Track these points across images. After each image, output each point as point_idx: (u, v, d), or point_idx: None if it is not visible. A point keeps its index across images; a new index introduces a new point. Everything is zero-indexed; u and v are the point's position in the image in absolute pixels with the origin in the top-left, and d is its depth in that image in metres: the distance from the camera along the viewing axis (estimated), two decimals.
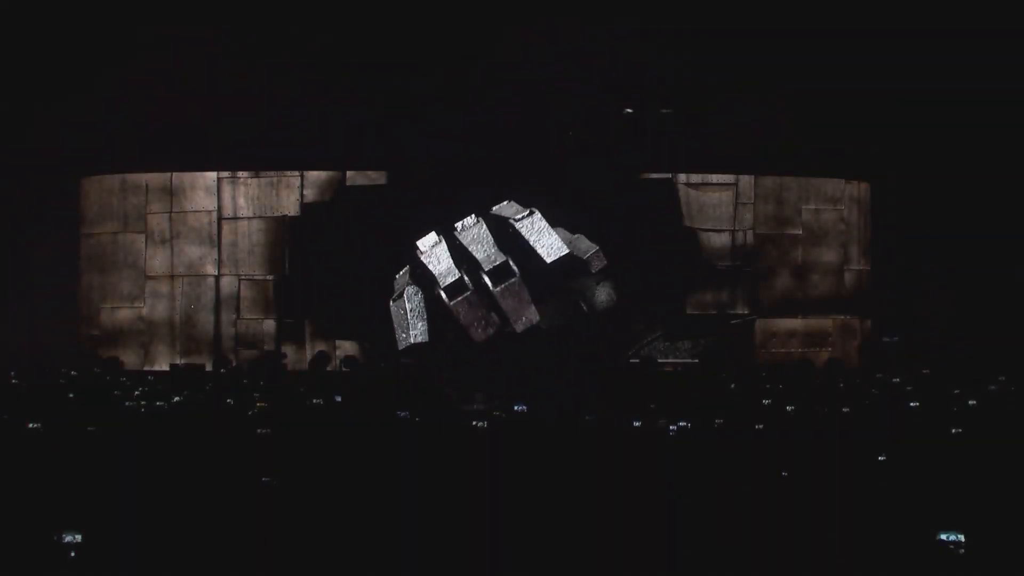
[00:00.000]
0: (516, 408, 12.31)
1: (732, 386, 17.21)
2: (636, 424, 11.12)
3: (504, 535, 6.67)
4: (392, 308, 13.86)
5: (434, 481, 8.24)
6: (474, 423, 11.19)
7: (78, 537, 5.85)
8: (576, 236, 14.57)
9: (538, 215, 13.96)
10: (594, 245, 14.27)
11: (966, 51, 22.15)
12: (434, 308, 13.80)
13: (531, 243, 13.88)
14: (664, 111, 22.15)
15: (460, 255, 14.00)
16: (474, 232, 13.94)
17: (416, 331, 13.74)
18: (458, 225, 13.93)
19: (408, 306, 13.79)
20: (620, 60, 21.95)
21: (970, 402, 12.49)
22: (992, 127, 22.96)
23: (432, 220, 20.77)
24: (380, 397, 15.17)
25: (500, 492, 7.83)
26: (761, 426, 11.15)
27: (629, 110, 22.07)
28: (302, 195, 22.42)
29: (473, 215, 14.18)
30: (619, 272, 21.71)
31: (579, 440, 10.61)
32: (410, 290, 13.98)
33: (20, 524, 6.53)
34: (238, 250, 22.46)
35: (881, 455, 8.84)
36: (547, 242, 13.91)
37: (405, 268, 14.29)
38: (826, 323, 23.34)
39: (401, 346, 13.79)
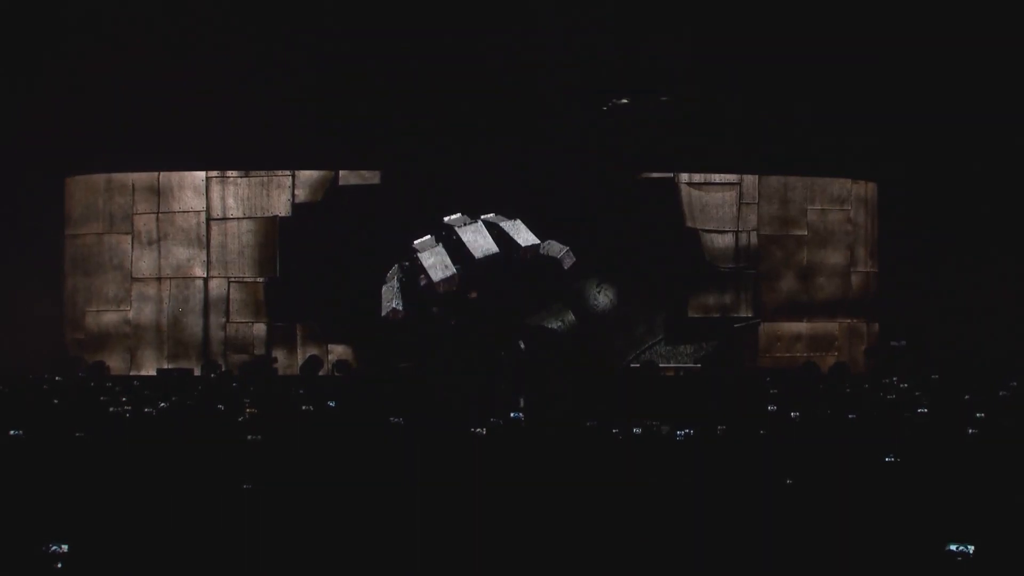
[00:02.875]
0: (513, 415, 12.35)
1: (735, 391, 17.24)
2: (636, 431, 11.14)
3: (503, 541, 6.69)
4: (383, 290, 16.08)
5: (430, 487, 8.26)
6: (473, 429, 11.22)
7: (64, 547, 5.86)
8: (548, 241, 16.89)
9: (520, 221, 16.57)
10: (565, 246, 16.69)
11: (978, 47, 22.18)
12: (414, 289, 16.06)
13: (510, 234, 16.47)
14: (663, 99, 22.18)
15: (441, 234, 16.29)
16: (457, 217, 16.26)
17: (397, 303, 16.06)
18: (446, 218, 16.13)
19: (395, 286, 16.03)
20: (617, 54, 21.98)
21: (978, 415, 12.51)
22: (1003, 126, 23.00)
23: (427, 221, 20.86)
24: (374, 403, 15.19)
25: (499, 498, 7.84)
26: (765, 432, 11.17)
27: (625, 100, 22.11)
28: (293, 195, 22.44)
29: (460, 213, 16.33)
30: (619, 274, 21.79)
31: (580, 446, 10.63)
32: (399, 275, 16.03)
33: (3, 534, 6.53)
34: (227, 252, 22.48)
35: (888, 459, 8.86)
36: (524, 235, 16.69)
37: (395, 266, 16.17)
38: (832, 327, 23.37)
39: (383, 313, 15.93)
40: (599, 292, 19.32)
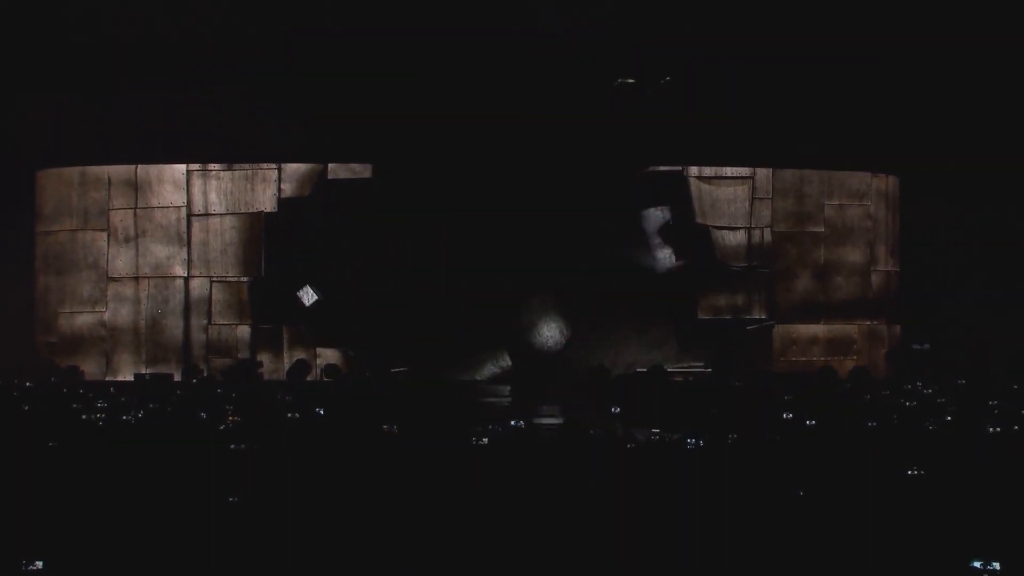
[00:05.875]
0: (513, 424, 12.40)
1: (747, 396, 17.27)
2: (642, 439, 11.18)
3: (502, 549, 6.71)
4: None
5: (426, 498, 8.28)
6: (474, 439, 11.28)
7: (39, 564, 5.87)
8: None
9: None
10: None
11: (1005, 35, 22.19)
12: None
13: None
14: (665, 79, 22.16)
15: None
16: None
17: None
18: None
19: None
20: (615, 40, 22.00)
21: (1015, 428, 12.56)
22: None
23: (421, 217, 20.83)
24: (366, 409, 15.23)
25: (500, 508, 7.86)
26: (779, 440, 11.19)
27: (631, 80, 22.09)
28: (279, 189, 22.46)
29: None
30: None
31: (582, 453, 10.65)
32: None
33: None
34: (209, 249, 22.49)
35: (911, 471, 8.88)
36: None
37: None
38: (851, 329, 23.39)
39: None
40: (548, 328, 19.87)
